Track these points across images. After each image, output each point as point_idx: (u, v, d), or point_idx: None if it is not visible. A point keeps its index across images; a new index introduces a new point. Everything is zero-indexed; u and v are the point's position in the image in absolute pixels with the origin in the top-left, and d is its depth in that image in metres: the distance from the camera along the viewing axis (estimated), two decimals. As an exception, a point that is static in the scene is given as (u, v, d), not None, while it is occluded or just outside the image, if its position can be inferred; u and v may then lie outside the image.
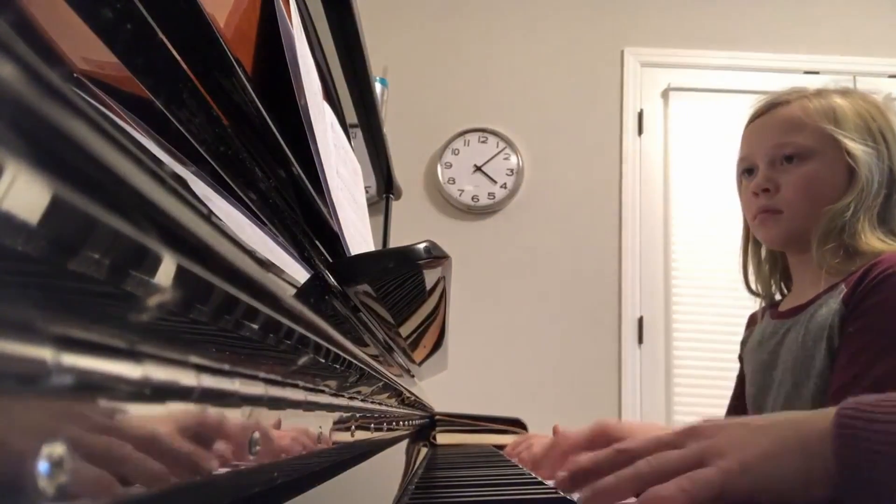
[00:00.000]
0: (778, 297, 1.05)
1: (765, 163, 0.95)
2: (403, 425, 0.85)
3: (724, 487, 0.42)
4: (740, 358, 1.11)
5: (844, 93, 0.95)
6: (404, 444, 0.85)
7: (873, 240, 0.87)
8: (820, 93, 0.95)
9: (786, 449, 0.42)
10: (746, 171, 1.00)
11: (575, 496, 0.67)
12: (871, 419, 0.40)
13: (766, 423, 0.46)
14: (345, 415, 0.40)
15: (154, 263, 0.13)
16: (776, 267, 1.05)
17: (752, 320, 1.10)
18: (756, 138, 0.98)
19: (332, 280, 0.45)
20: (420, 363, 0.96)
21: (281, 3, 0.50)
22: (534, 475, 0.84)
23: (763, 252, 1.06)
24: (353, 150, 0.80)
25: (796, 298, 0.97)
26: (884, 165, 0.90)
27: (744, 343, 1.10)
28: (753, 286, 1.07)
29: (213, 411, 0.18)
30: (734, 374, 1.13)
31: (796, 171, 0.92)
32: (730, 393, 1.13)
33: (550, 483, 0.77)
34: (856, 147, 0.89)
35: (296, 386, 0.26)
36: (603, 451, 0.51)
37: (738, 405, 1.09)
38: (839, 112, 0.91)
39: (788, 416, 0.46)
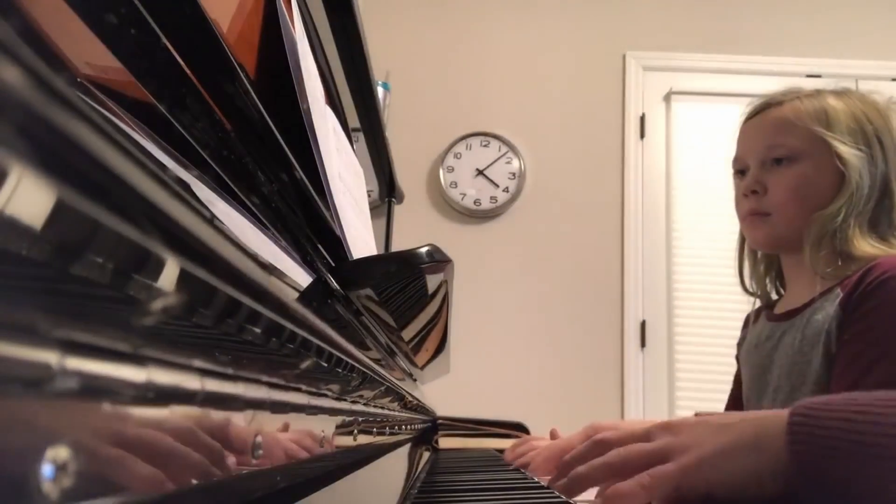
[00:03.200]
0: (774, 296, 1.05)
1: (755, 164, 0.94)
2: (406, 429, 0.85)
3: (680, 482, 0.45)
4: (737, 358, 1.11)
5: (841, 94, 0.93)
6: (407, 448, 0.85)
7: (865, 245, 0.85)
8: (815, 94, 0.94)
9: (741, 446, 0.45)
10: (739, 171, 0.99)
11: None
12: (823, 417, 0.43)
13: (726, 422, 0.49)
14: (347, 419, 0.40)
15: (157, 267, 0.14)
16: (771, 267, 1.05)
17: (748, 321, 1.10)
18: (748, 139, 0.98)
19: (334, 284, 0.45)
20: (422, 367, 0.96)
21: (283, 8, 0.50)
22: (537, 479, 0.84)
23: (759, 252, 1.06)
24: (356, 153, 0.81)
25: (791, 301, 0.96)
26: (876, 170, 0.88)
27: (740, 343, 1.10)
28: (749, 286, 1.07)
29: (215, 415, 0.18)
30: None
31: (785, 173, 0.91)
32: (732, 395, 1.13)
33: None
34: (846, 150, 0.88)
35: (298, 390, 0.26)
36: (584, 444, 0.56)
37: (734, 407, 1.09)
38: (831, 113, 0.90)
39: (747, 415, 0.50)
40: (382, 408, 0.59)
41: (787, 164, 0.91)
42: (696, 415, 0.80)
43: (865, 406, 0.42)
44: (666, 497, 0.46)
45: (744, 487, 0.44)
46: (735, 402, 1.09)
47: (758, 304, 1.07)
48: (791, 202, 0.91)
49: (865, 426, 0.40)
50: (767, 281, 1.05)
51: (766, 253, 1.04)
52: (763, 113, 0.97)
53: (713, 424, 0.49)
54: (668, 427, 0.51)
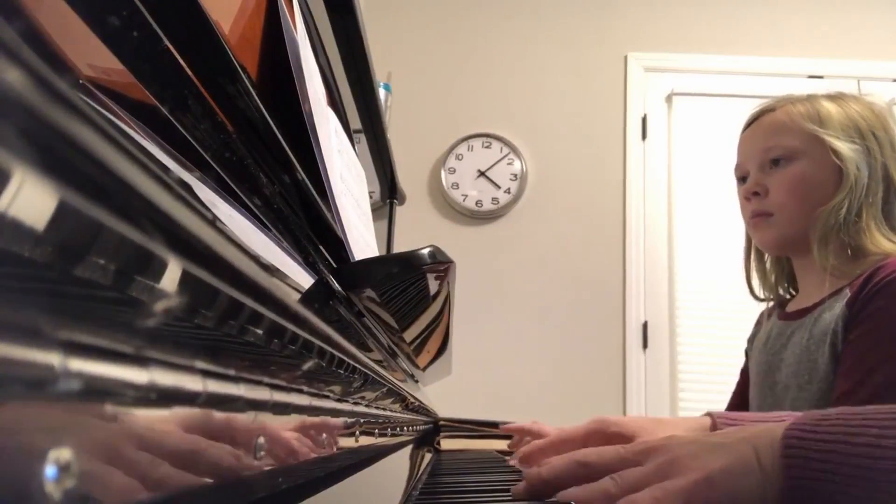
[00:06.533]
0: (787, 297, 1.06)
1: (755, 168, 0.97)
2: (407, 430, 0.85)
3: (689, 499, 0.43)
4: (746, 353, 1.11)
5: (834, 97, 0.96)
6: (408, 449, 0.85)
7: (880, 238, 0.87)
8: (808, 98, 0.97)
9: (745, 465, 0.44)
10: (741, 178, 1.01)
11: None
12: (817, 439, 0.42)
13: (722, 441, 0.47)
14: (349, 420, 0.40)
15: (160, 269, 0.14)
16: (783, 273, 1.05)
17: (761, 318, 1.10)
18: (746, 145, 1.01)
19: (336, 285, 0.45)
20: (424, 368, 0.96)
21: (285, 9, 0.50)
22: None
23: (768, 261, 1.06)
24: (357, 155, 0.81)
25: (802, 301, 0.97)
26: (875, 162, 0.90)
27: (751, 340, 1.10)
28: (759, 293, 1.08)
29: (218, 416, 0.18)
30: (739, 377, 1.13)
31: (783, 173, 0.93)
32: (735, 396, 1.13)
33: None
34: (841, 145, 0.89)
35: (300, 391, 0.26)
36: (562, 461, 0.51)
37: (739, 403, 1.09)
38: (823, 113, 0.92)
39: (743, 432, 0.48)
40: (384, 409, 0.59)
41: (785, 164, 0.93)
42: (707, 414, 0.80)
43: (860, 426, 0.41)
44: None
45: None
46: (740, 396, 1.09)
47: (771, 302, 1.07)
48: (792, 200, 0.92)
49: (861, 448, 0.40)
50: (780, 289, 1.06)
51: (776, 259, 1.05)
52: (758, 120, 1.00)
53: (707, 444, 0.47)
54: (658, 449, 0.48)
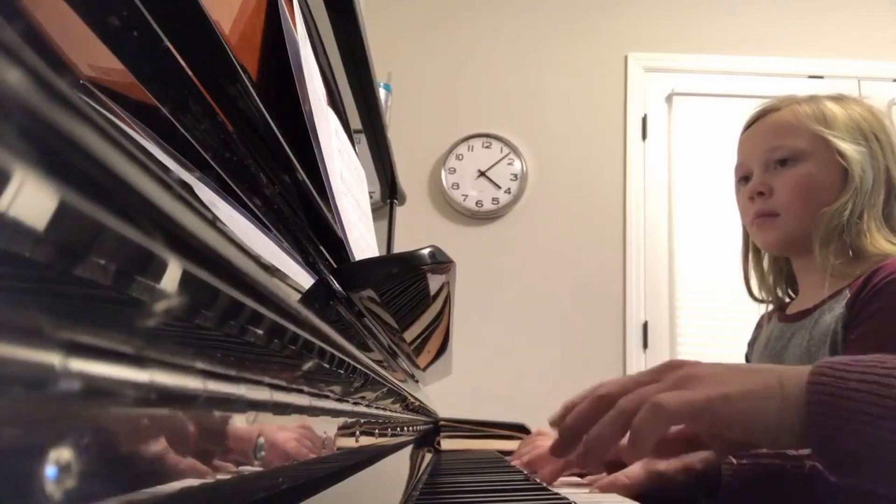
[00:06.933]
0: (786, 300, 1.05)
1: (759, 168, 0.96)
2: (408, 431, 0.85)
3: (704, 410, 0.42)
4: (747, 357, 1.11)
5: (836, 98, 0.96)
6: (409, 449, 0.85)
7: (880, 240, 0.87)
8: (811, 98, 0.96)
9: (767, 392, 0.43)
10: (743, 178, 1.01)
11: (574, 498, 0.67)
12: (844, 378, 0.41)
13: (747, 367, 0.46)
14: (349, 420, 0.40)
15: (160, 269, 0.14)
16: (781, 274, 1.05)
17: (761, 322, 1.10)
18: (749, 145, 1.00)
19: (336, 285, 0.45)
20: (424, 368, 0.96)
21: (286, 10, 0.50)
22: (538, 481, 0.84)
23: (766, 261, 1.06)
24: (358, 155, 0.81)
25: (802, 302, 0.97)
26: (879, 164, 0.90)
27: (751, 344, 1.10)
28: (757, 294, 1.07)
29: (218, 416, 0.18)
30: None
31: (790, 173, 0.93)
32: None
33: (554, 489, 0.77)
34: (847, 147, 0.90)
35: (301, 391, 0.26)
36: (584, 403, 0.50)
37: None
38: (829, 115, 0.92)
39: (769, 365, 0.47)
40: (384, 409, 0.59)
41: (791, 164, 0.93)
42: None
43: (891, 371, 0.40)
44: (673, 434, 0.42)
45: (763, 435, 0.42)
46: None
47: (770, 306, 1.07)
48: (798, 201, 0.92)
49: (889, 391, 0.39)
50: (778, 290, 1.05)
51: (774, 259, 1.05)
52: (761, 119, 0.99)
53: (732, 367, 0.46)
54: (678, 364, 0.47)
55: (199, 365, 0.16)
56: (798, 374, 0.43)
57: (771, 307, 1.06)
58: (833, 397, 0.40)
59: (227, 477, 0.19)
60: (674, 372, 0.47)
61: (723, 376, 0.44)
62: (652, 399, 0.43)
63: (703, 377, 0.44)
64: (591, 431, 0.47)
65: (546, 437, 1.10)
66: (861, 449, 0.39)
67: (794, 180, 0.92)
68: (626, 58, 2.74)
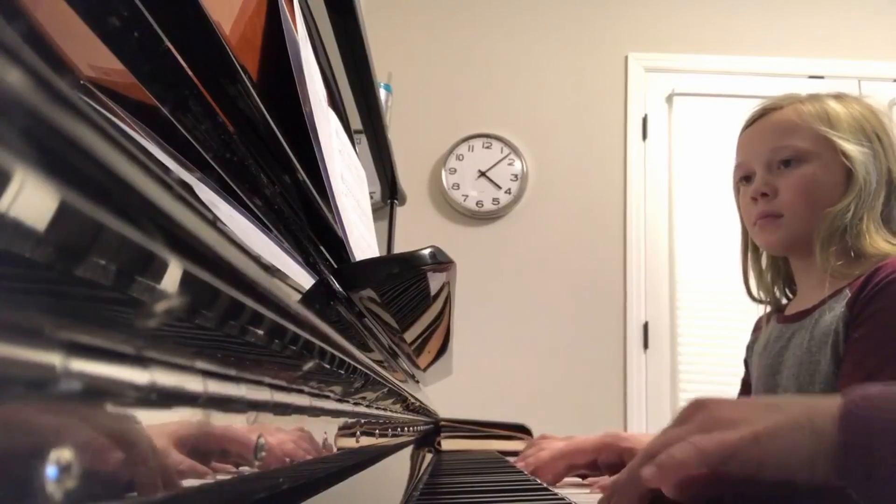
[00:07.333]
0: (784, 301, 1.05)
1: (762, 168, 0.95)
2: (408, 431, 0.85)
3: (735, 452, 0.41)
4: (746, 362, 1.11)
5: (838, 97, 0.95)
6: (409, 450, 0.85)
7: (879, 241, 0.86)
8: (813, 97, 0.95)
9: (796, 426, 0.42)
10: (744, 178, 0.99)
11: (575, 499, 0.67)
12: (877, 408, 0.41)
13: (774, 402, 0.46)
14: (350, 420, 0.40)
15: (160, 269, 0.14)
16: (779, 274, 1.05)
17: (759, 325, 1.10)
18: (752, 144, 0.98)
19: (336, 286, 0.45)
20: (425, 369, 0.96)
21: (286, 10, 0.50)
22: (539, 481, 0.84)
23: (764, 260, 1.05)
24: (358, 155, 0.81)
25: (801, 303, 0.96)
26: (881, 165, 0.90)
27: (750, 347, 1.10)
28: (755, 293, 1.07)
29: (219, 417, 0.18)
30: (740, 378, 1.12)
31: (794, 174, 0.92)
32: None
33: (555, 489, 0.76)
34: (851, 148, 0.89)
35: (301, 391, 0.26)
36: (626, 474, 0.48)
37: None
38: (833, 115, 0.92)
39: (796, 397, 0.46)
40: (385, 410, 0.59)
41: (795, 165, 0.92)
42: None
43: None
44: (702, 479, 0.42)
45: (797, 471, 0.41)
46: None
47: (768, 308, 1.06)
48: (802, 202, 0.91)
49: None
50: (776, 290, 1.05)
51: (772, 259, 1.04)
52: (764, 118, 0.97)
53: (759, 404, 0.45)
54: (704, 405, 0.46)
55: (200, 365, 0.16)
56: (827, 406, 0.42)
57: (769, 308, 1.06)
58: (867, 428, 0.40)
59: (228, 477, 0.19)
60: (700, 413, 0.46)
61: (749, 416, 0.44)
62: (687, 438, 0.42)
63: (730, 418, 0.44)
64: (619, 477, 0.46)
65: (550, 440, 1.10)
66: None
67: (799, 181, 0.91)
68: (626, 58, 2.74)
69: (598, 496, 0.77)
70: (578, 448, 0.91)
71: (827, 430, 0.41)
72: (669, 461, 0.42)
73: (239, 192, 0.30)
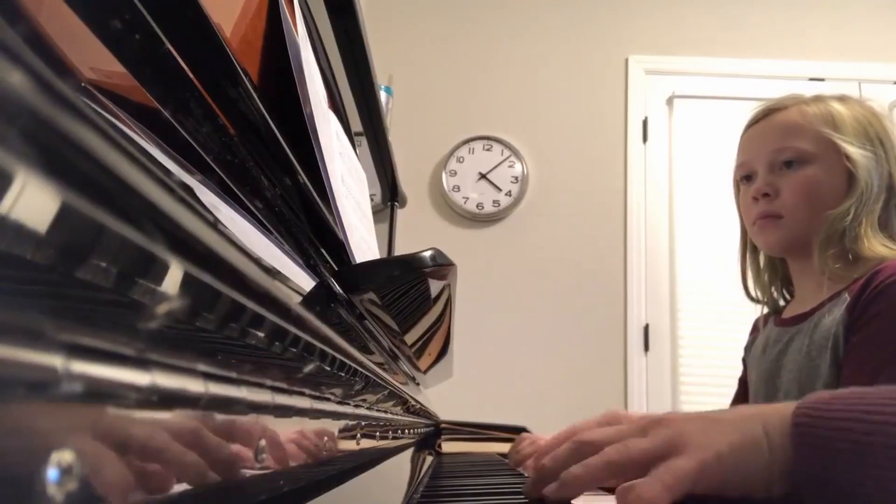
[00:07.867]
0: (781, 303, 1.05)
1: (764, 168, 0.95)
2: (409, 433, 0.85)
3: (698, 479, 0.42)
4: (744, 361, 1.11)
5: (841, 99, 0.95)
6: (409, 452, 0.85)
7: (876, 245, 0.86)
8: (817, 98, 0.95)
9: (753, 442, 0.43)
10: (745, 177, 0.99)
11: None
12: (828, 417, 0.41)
13: (731, 417, 0.46)
14: (350, 423, 0.40)
15: (161, 271, 0.14)
16: (776, 274, 1.04)
17: (756, 325, 1.10)
18: (754, 144, 0.98)
19: (337, 288, 0.45)
20: (425, 371, 0.96)
21: (287, 12, 0.50)
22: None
23: (762, 260, 1.05)
24: (359, 158, 0.81)
25: (799, 306, 0.96)
26: (883, 170, 0.89)
27: (747, 348, 1.10)
28: (753, 293, 1.07)
29: (219, 418, 0.18)
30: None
31: (796, 175, 0.92)
32: (736, 400, 1.13)
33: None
34: (855, 151, 0.89)
35: (302, 393, 0.26)
36: (564, 446, 0.50)
37: None
38: (837, 117, 0.91)
39: (750, 410, 0.47)
40: (385, 412, 0.59)
41: (798, 166, 0.92)
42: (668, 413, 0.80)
43: (873, 405, 0.40)
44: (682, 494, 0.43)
45: (758, 488, 0.42)
46: (740, 404, 1.09)
47: (765, 309, 1.06)
48: (803, 204, 0.91)
49: (873, 427, 0.39)
50: (773, 290, 1.05)
51: (770, 260, 1.04)
52: (767, 118, 0.97)
53: (714, 420, 0.46)
54: (663, 422, 0.47)
55: (201, 367, 0.16)
56: (781, 418, 0.43)
57: (766, 309, 1.06)
58: (818, 440, 0.40)
59: (229, 479, 0.19)
60: (661, 428, 0.46)
61: (710, 433, 0.44)
62: (657, 476, 0.42)
63: (690, 436, 0.44)
64: (572, 468, 0.46)
65: (540, 439, 1.09)
66: (851, 487, 0.39)
67: (801, 183, 0.91)
68: (626, 60, 2.74)
69: (602, 498, 0.77)
70: (579, 430, 0.91)
71: (780, 443, 0.42)
72: (637, 501, 0.41)
73: (240, 194, 0.30)
